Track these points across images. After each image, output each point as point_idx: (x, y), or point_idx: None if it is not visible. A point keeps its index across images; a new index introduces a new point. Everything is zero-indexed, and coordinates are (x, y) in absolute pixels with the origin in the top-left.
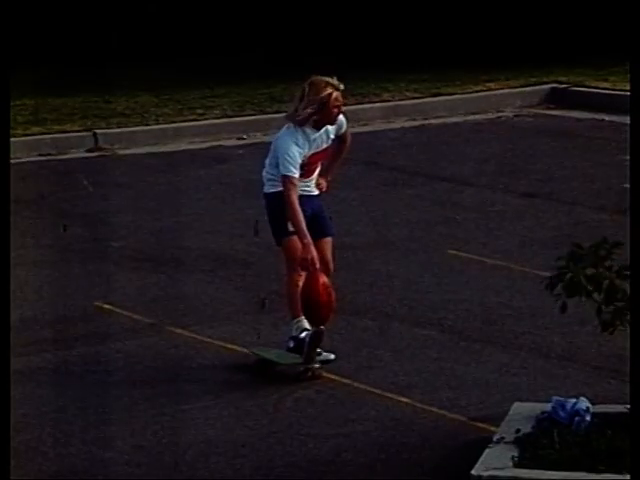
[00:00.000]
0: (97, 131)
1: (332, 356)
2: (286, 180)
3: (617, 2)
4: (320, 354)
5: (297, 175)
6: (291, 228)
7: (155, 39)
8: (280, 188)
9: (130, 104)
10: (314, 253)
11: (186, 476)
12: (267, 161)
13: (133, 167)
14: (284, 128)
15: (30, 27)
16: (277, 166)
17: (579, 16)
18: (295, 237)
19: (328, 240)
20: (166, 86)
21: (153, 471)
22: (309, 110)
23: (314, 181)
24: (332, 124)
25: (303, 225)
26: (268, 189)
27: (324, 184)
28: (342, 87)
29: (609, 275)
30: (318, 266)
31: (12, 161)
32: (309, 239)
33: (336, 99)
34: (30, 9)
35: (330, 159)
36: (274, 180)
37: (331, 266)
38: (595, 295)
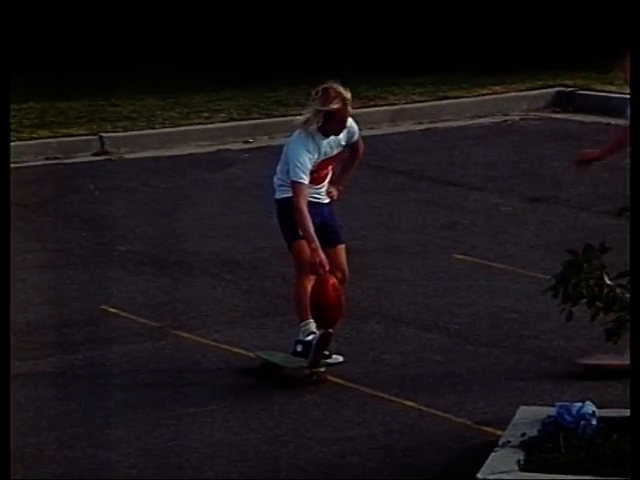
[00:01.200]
0: (103, 135)
1: (341, 358)
2: (295, 186)
3: (622, 6)
4: (330, 356)
5: (306, 181)
6: (301, 232)
7: (161, 43)
8: (291, 194)
9: (136, 107)
10: (322, 256)
11: (191, 479)
12: (278, 167)
13: (139, 171)
14: (295, 133)
15: (36, 30)
16: (288, 172)
17: (585, 20)
18: (305, 241)
19: (341, 247)
20: (172, 89)
21: (159, 474)
22: (315, 123)
23: (325, 188)
24: (337, 135)
25: (311, 230)
26: (279, 195)
27: (335, 192)
28: (349, 96)
29: (607, 283)
30: (327, 268)
31: (18, 165)
32: (317, 243)
33: (340, 110)
34: (36, 11)
35: (342, 168)
36: (285, 186)
37: (347, 273)
38: (597, 303)
